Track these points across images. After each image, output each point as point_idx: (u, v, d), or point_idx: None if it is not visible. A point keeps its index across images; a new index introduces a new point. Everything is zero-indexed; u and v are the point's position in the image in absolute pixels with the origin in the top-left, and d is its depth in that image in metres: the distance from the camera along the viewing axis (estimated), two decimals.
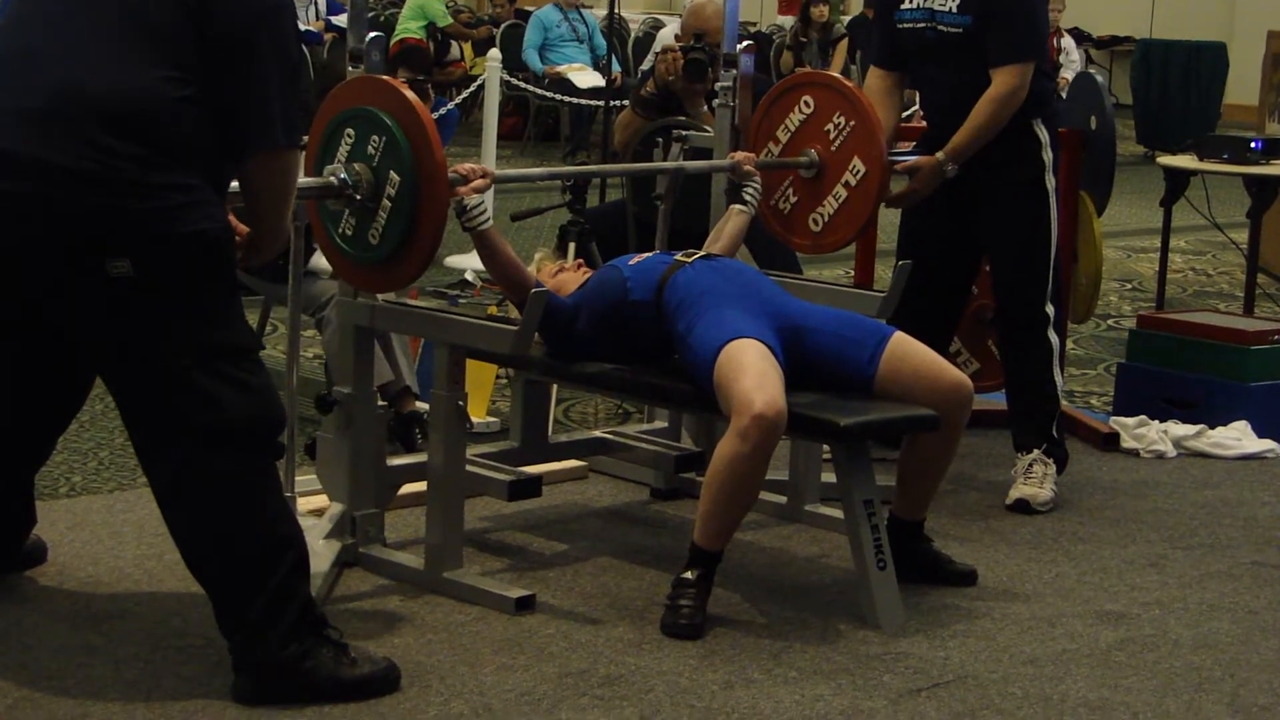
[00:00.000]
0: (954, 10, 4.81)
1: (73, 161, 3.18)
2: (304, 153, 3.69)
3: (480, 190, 4.01)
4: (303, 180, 3.82)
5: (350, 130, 3.85)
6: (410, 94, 3.80)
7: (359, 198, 3.82)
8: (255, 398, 3.37)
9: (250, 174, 3.44)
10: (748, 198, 4.63)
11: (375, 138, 3.80)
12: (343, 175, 3.82)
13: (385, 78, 3.92)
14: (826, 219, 4.83)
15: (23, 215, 3.23)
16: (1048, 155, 4.92)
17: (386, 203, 3.80)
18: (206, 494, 3.36)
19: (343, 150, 3.86)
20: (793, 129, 4.86)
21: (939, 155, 4.83)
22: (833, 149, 4.78)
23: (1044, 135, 4.92)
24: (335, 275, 4.22)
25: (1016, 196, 4.89)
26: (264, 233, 3.54)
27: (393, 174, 3.78)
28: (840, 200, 4.78)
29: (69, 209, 3.19)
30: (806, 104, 4.83)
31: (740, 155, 4.71)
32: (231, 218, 3.48)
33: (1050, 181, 4.92)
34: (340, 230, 3.93)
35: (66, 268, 3.26)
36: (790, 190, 4.90)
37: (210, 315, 3.33)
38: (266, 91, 3.34)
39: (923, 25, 4.87)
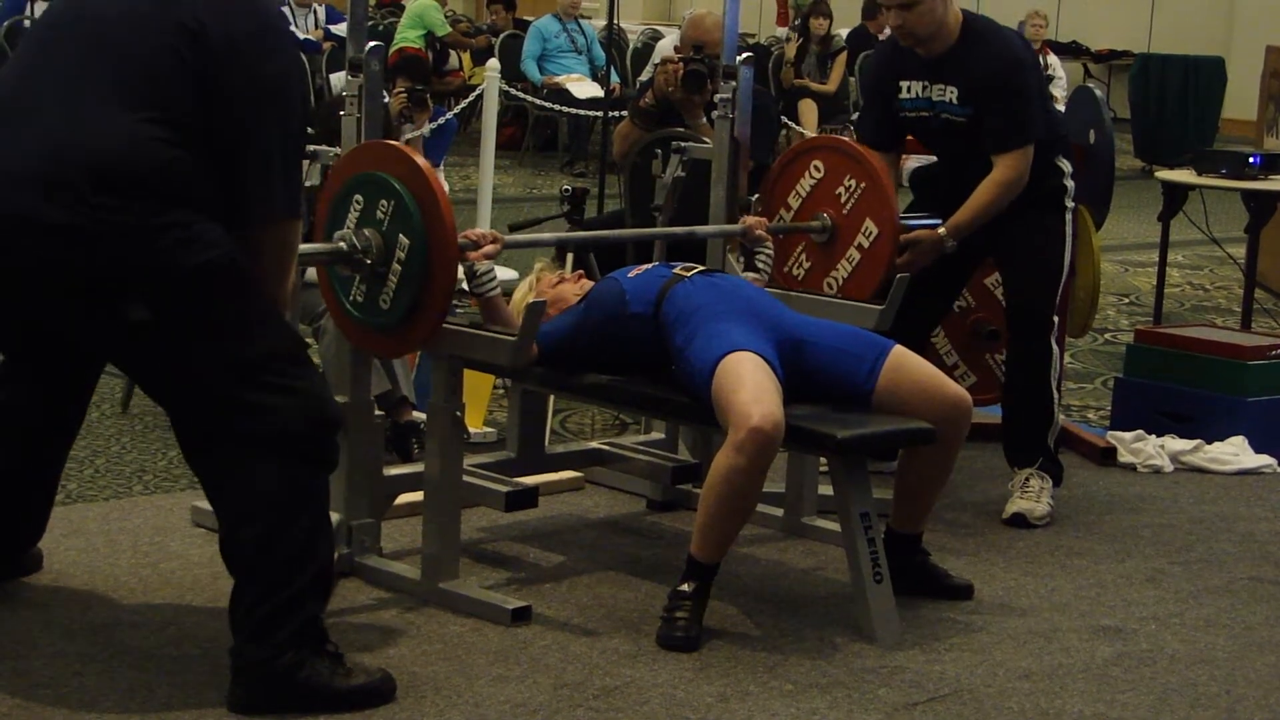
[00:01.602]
0: (954, 101, 4.89)
1: (70, 218, 3.18)
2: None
3: (490, 256, 4.03)
4: (313, 246, 3.86)
5: (359, 196, 3.85)
6: (419, 158, 3.81)
7: (369, 263, 3.82)
8: (302, 400, 3.37)
9: (249, 243, 3.42)
10: (760, 265, 4.63)
11: (384, 202, 3.80)
12: (353, 240, 3.82)
13: (393, 143, 3.91)
14: (840, 283, 4.84)
15: (30, 273, 3.25)
16: (1069, 183, 5.03)
17: (397, 266, 3.80)
18: (250, 497, 3.36)
19: (352, 216, 3.86)
20: (804, 194, 4.87)
21: (941, 231, 4.87)
22: (844, 212, 4.79)
23: (1066, 167, 5.03)
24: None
25: (1035, 208, 4.92)
26: None
27: (402, 237, 3.78)
28: (854, 263, 4.77)
29: (77, 265, 3.20)
30: (817, 168, 4.84)
31: (752, 220, 4.69)
32: None
33: (1069, 202, 5.03)
34: (351, 297, 3.93)
35: (85, 318, 3.30)
36: (803, 256, 4.90)
37: (239, 333, 3.33)
38: (268, 161, 3.34)
39: (926, 114, 4.95)
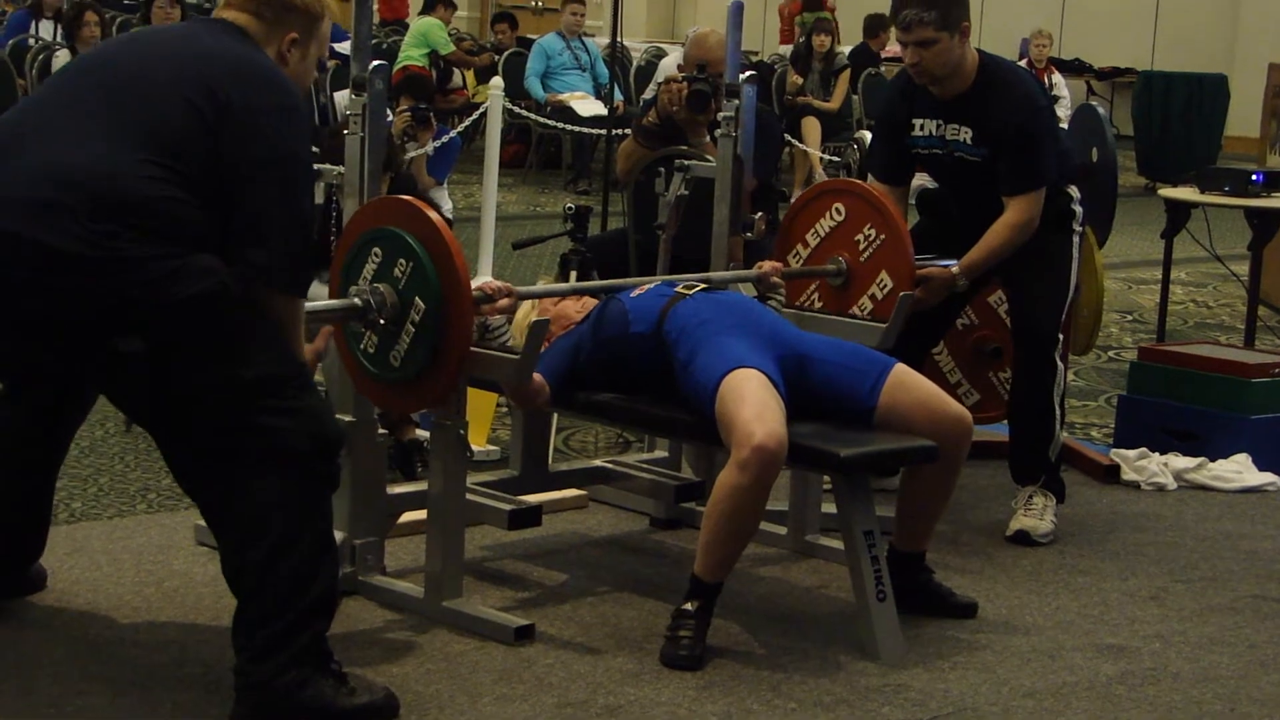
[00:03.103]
0: (968, 142, 4.89)
1: (66, 243, 3.19)
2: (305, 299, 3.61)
3: (503, 311, 4.02)
4: (326, 302, 3.86)
5: (378, 249, 3.83)
6: (440, 221, 3.77)
7: (382, 322, 3.81)
8: (304, 420, 3.37)
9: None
10: (772, 307, 4.62)
11: (403, 262, 3.78)
12: (368, 298, 3.80)
13: (415, 201, 3.88)
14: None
15: (24, 295, 3.25)
16: (1078, 208, 5.06)
17: (410, 328, 3.79)
18: (253, 516, 3.35)
19: (369, 269, 3.85)
20: (822, 234, 4.86)
21: (954, 269, 4.87)
22: (861, 259, 4.78)
23: (1075, 193, 5.06)
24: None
25: (1044, 230, 4.93)
26: None
27: (418, 301, 3.76)
28: (865, 312, 4.75)
29: (70, 290, 3.21)
30: (838, 211, 4.82)
31: (768, 266, 4.69)
32: None
33: (1077, 226, 5.05)
34: (362, 347, 3.92)
35: (77, 347, 3.30)
36: (815, 295, 4.90)
37: (237, 357, 3.32)
38: (269, 232, 3.34)
39: (940, 152, 4.96)
